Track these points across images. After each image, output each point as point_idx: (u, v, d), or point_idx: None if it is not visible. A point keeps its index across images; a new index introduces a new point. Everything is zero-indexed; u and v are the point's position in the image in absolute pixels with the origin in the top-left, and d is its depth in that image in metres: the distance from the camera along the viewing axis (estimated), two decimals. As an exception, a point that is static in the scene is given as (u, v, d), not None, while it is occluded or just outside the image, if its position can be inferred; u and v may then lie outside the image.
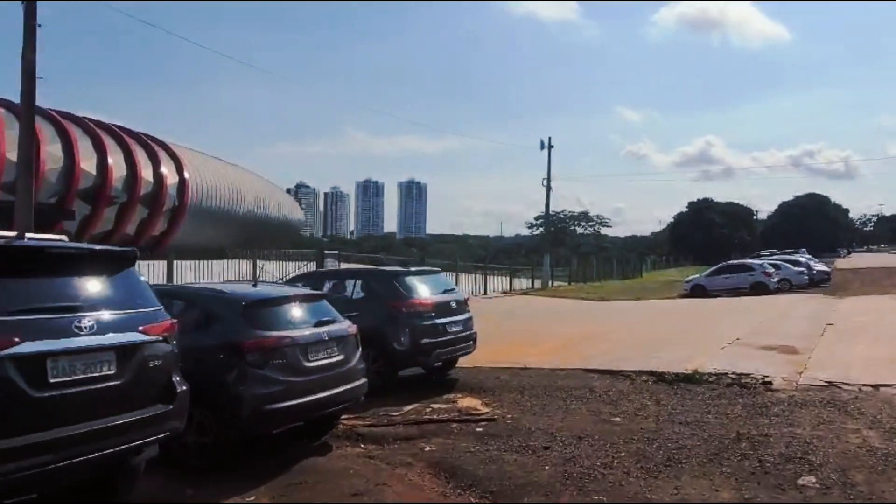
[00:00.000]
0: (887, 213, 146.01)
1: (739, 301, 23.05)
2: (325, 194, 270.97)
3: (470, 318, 8.96)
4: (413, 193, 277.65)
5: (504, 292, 32.00)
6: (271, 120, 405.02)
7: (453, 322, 8.45)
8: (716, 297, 27.46)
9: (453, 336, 8.42)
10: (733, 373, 8.36)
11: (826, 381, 7.80)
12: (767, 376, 8.17)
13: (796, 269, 30.69)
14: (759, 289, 27.13)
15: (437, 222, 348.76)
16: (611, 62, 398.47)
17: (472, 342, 8.88)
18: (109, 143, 51.86)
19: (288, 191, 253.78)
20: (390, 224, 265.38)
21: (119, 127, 55.51)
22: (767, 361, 9.15)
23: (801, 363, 9.00)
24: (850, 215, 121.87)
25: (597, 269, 48.49)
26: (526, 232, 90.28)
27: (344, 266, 25.65)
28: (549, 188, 34.82)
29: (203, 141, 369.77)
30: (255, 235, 64.94)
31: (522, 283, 35.93)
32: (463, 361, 9.38)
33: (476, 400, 7.61)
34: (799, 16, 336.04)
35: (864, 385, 7.59)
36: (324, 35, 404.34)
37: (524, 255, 64.20)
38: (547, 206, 35.62)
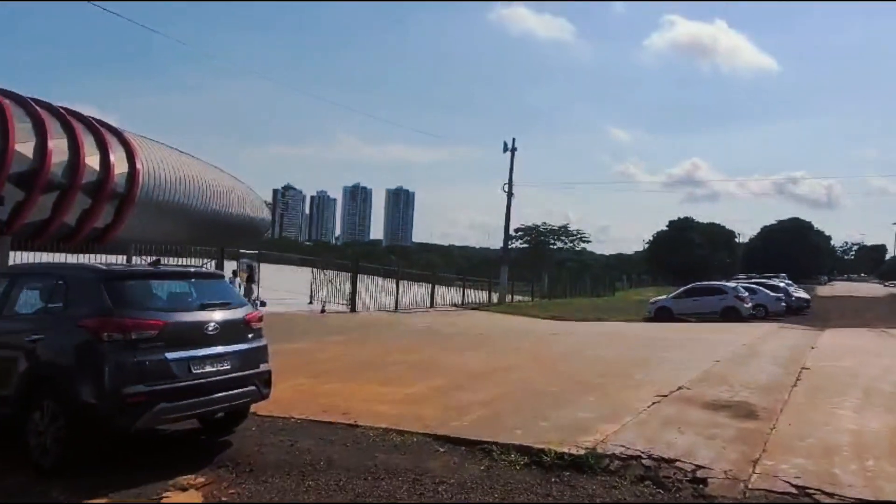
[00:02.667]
0: (868, 243, 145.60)
1: (704, 328, 20.16)
2: (312, 198, 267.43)
3: (255, 350, 5.73)
4: (401, 201, 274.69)
5: (455, 305, 29.04)
6: (262, 122, 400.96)
7: (209, 358, 5.21)
8: (682, 321, 24.63)
9: (205, 381, 5.22)
10: (650, 456, 5.30)
11: (795, 486, 4.75)
12: (702, 467, 5.13)
13: (773, 294, 27.94)
14: (731, 314, 24.29)
15: (425, 232, 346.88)
16: (603, 83, 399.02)
17: (253, 388, 5.65)
18: (53, 125, 48.35)
19: (275, 192, 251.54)
20: (377, 231, 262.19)
21: (67, 110, 51.99)
22: (709, 434, 6.11)
23: (758, 440, 5.95)
24: (832, 243, 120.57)
25: (568, 286, 45.70)
26: (513, 245, 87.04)
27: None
28: (510, 194, 31.96)
29: (190, 140, 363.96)
30: (213, 233, 61.54)
31: (482, 296, 32.93)
32: (279, 405, 6.39)
33: (198, 498, 4.51)
34: (788, 48, 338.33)
35: (858, 501, 4.52)
36: (319, 39, 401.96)
37: (510, 268, 61.06)
38: (507, 214, 32.72)
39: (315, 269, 25.03)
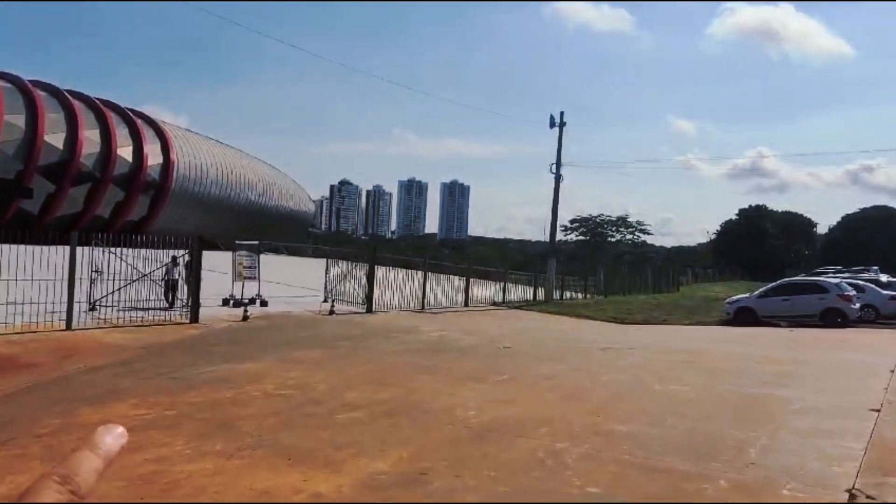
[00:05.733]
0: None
1: (809, 338, 15.62)
2: (368, 192, 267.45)
3: None
4: (455, 195, 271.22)
5: (494, 304, 25.23)
6: (321, 120, 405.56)
7: None
8: (769, 325, 20.05)
9: None
10: None
11: None
12: None
13: (885, 292, 22.72)
14: (833, 318, 19.45)
15: (481, 225, 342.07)
16: (664, 73, 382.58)
17: None
18: (86, 116, 47.08)
19: (332, 187, 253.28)
20: (432, 225, 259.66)
21: (102, 100, 50.74)
22: None
23: None
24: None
25: (627, 281, 40.88)
26: (569, 238, 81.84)
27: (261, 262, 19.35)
28: (558, 175, 27.68)
29: (252, 138, 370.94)
30: (253, 225, 59.61)
31: (528, 292, 28.92)
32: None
33: None
34: (862, 31, 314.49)
35: None
36: (376, 38, 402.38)
37: (564, 263, 56.56)
38: (555, 198, 28.45)
39: (330, 261, 21.62)
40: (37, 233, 13.84)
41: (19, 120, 42.33)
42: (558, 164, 27.83)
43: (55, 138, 43.96)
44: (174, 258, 16.28)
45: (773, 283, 22.76)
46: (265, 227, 62.32)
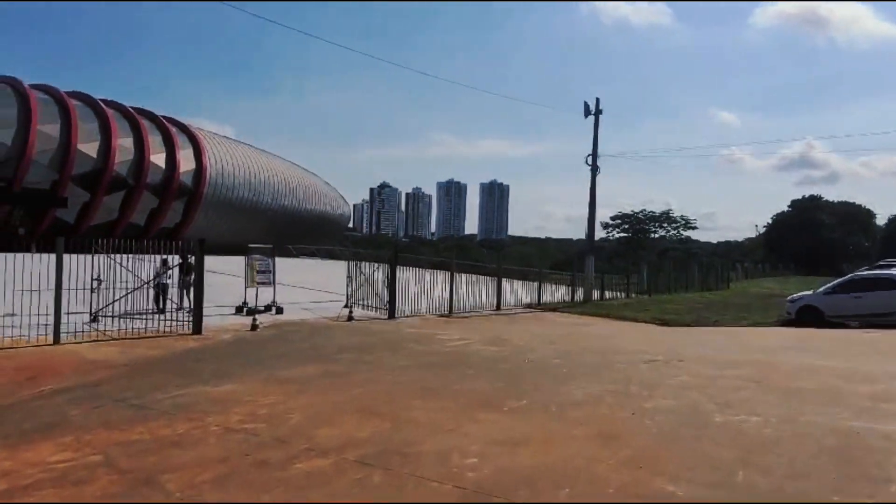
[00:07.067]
0: None
1: (890, 342, 13.53)
2: (407, 195, 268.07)
3: None
4: (495, 195, 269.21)
5: (528, 306, 23.62)
6: (359, 125, 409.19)
7: None
8: (837, 326, 17.88)
9: None
10: None
11: None
12: None
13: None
14: (914, 318, 17.16)
15: (520, 225, 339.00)
16: (705, 64, 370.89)
17: None
18: (119, 124, 47.30)
19: (371, 191, 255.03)
20: (472, 226, 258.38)
21: (136, 109, 51.03)
22: None
23: None
24: None
25: (672, 278, 38.45)
26: (611, 235, 78.94)
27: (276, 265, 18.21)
28: (594, 167, 25.75)
29: (293, 145, 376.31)
30: (287, 229, 59.21)
31: (564, 293, 27.12)
32: None
33: None
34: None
35: None
36: (410, 39, 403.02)
37: (606, 261, 54.22)
38: (592, 191, 26.51)
39: (352, 264, 20.31)
40: (26, 242, 13.00)
41: (54, 130, 42.69)
42: (595, 153, 25.98)
43: (89, 147, 44.22)
44: (164, 261, 15.31)
45: (841, 278, 20.42)
46: (299, 231, 61.89)
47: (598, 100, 26.24)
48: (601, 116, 26.02)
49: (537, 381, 7.75)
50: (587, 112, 25.87)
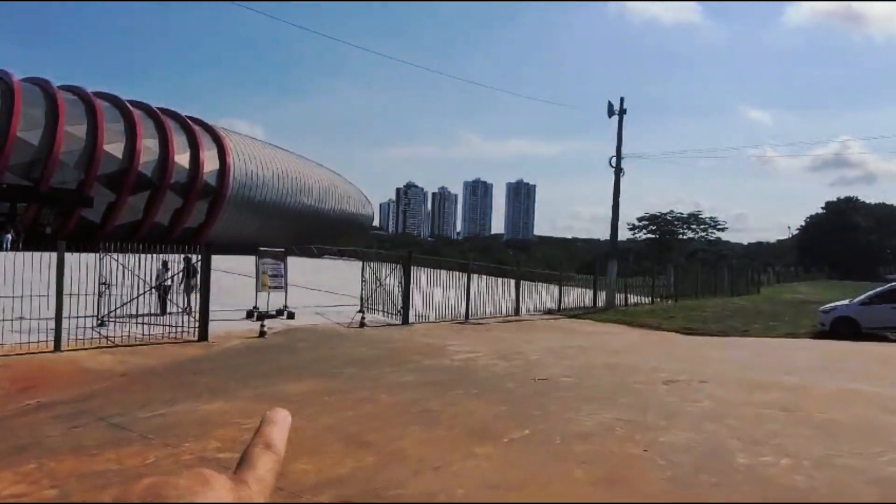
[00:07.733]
0: None
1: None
2: (433, 195, 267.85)
3: None
4: (521, 195, 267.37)
5: (549, 311, 22.98)
6: (386, 125, 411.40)
7: None
8: (875, 338, 16.91)
9: None
10: None
11: None
12: None
13: None
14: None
15: (547, 225, 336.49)
16: (736, 63, 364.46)
17: None
18: (145, 125, 47.69)
19: (397, 190, 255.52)
20: (498, 226, 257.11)
21: (162, 109, 51.41)
22: None
23: None
24: None
25: (700, 282, 37.22)
26: (638, 236, 77.33)
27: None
28: (618, 168, 24.92)
29: (311, 144, 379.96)
30: (311, 230, 59.21)
31: (587, 297, 26.37)
32: None
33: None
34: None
35: None
36: (440, 41, 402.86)
37: (634, 262, 52.95)
38: (616, 192, 25.67)
39: (366, 266, 19.81)
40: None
41: (80, 130, 43.15)
42: (618, 154, 25.16)
43: (115, 147, 44.61)
44: (164, 263, 15.12)
45: (880, 288, 19.33)
46: (323, 230, 61.85)
47: (622, 99, 25.48)
48: (626, 116, 25.25)
49: (545, 404, 7.18)
50: (611, 112, 25.08)
